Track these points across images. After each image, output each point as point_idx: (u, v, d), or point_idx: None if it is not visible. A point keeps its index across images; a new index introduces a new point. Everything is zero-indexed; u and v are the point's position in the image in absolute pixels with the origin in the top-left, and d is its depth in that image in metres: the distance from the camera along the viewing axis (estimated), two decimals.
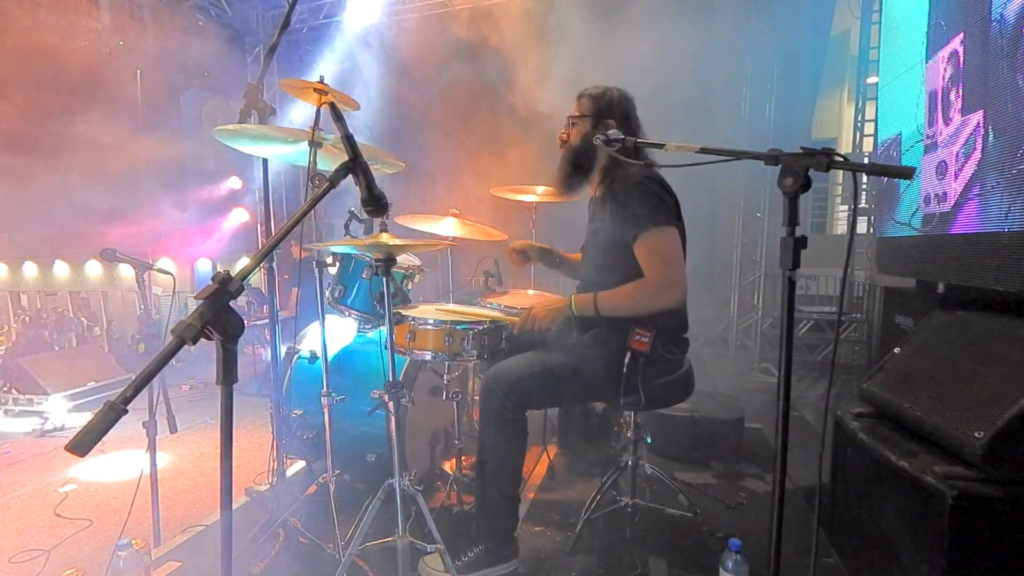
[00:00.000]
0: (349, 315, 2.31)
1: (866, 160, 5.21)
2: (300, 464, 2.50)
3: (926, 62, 2.95)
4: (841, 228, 8.98)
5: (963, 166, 2.55)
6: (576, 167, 1.86)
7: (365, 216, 1.96)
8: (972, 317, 1.80)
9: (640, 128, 1.81)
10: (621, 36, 5.45)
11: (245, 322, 0.86)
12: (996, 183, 2.28)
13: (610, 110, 1.79)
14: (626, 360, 1.66)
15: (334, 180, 1.00)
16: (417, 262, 2.43)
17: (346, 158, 1.04)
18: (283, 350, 2.27)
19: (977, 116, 2.45)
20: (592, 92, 1.83)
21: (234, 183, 8.28)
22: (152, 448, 1.92)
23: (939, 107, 2.81)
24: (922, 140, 2.98)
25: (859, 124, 5.51)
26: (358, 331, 2.48)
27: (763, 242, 5.13)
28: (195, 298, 0.80)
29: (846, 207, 9.00)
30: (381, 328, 2.26)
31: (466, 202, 2.86)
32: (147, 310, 2.01)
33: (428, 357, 1.90)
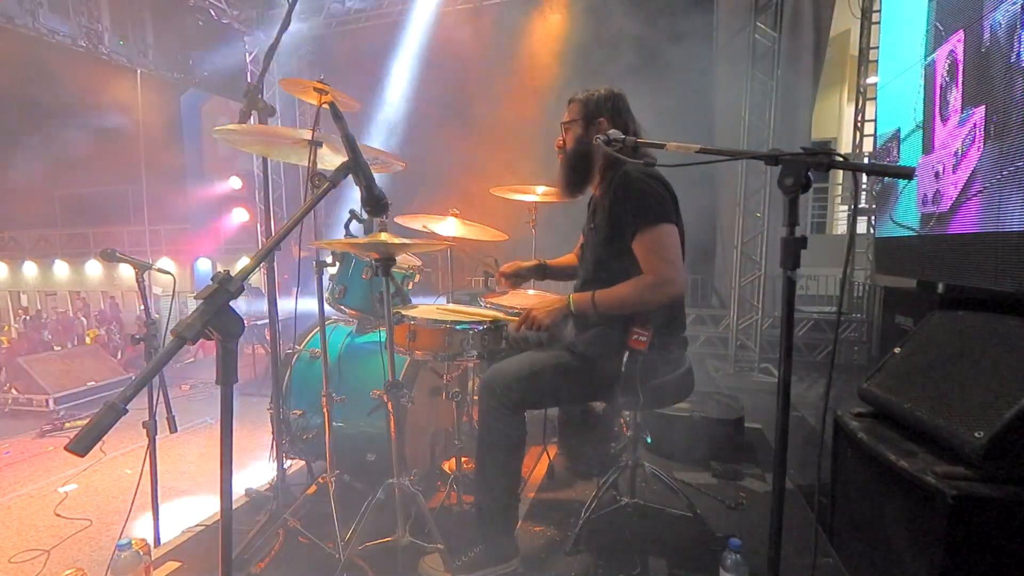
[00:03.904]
0: (349, 315, 2.31)
1: (866, 160, 5.21)
2: (300, 464, 2.51)
3: (925, 61, 2.95)
4: (841, 228, 8.96)
5: (961, 166, 2.55)
6: (575, 171, 1.87)
7: (365, 216, 1.96)
8: (972, 317, 1.80)
9: (633, 122, 1.82)
10: (622, 36, 5.46)
11: (245, 322, 0.86)
12: (994, 182, 2.28)
13: (599, 109, 1.80)
14: (624, 359, 1.66)
15: (334, 180, 1.00)
16: (417, 262, 2.43)
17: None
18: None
19: (975, 116, 2.45)
20: (579, 96, 1.84)
21: (234, 183, 8.30)
22: (152, 448, 1.92)
23: (937, 106, 2.81)
24: (920, 139, 2.98)
25: (859, 124, 5.51)
26: (357, 331, 2.48)
27: (763, 242, 5.13)
28: (195, 298, 0.80)
29: (846, 207, 8.99)
30: (381, 328, 2.26)
31: (467, 201, 2.86)
32: (147, 310, 2.00)
33: (428, 357, 1.90)
